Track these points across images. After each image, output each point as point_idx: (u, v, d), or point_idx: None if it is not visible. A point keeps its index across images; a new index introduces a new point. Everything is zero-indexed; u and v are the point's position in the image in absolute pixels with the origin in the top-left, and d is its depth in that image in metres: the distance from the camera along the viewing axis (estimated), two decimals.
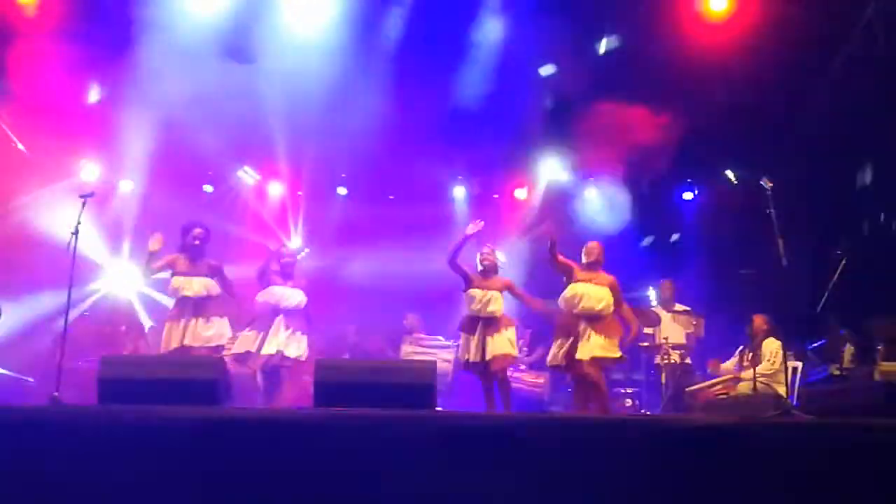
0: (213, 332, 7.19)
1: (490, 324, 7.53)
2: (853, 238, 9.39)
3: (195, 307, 7.19)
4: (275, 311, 7.53)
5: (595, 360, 7.13)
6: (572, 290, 7.29)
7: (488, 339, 7.46)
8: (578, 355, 7.15)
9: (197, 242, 7.30)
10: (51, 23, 8.39)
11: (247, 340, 7.49)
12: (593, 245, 7.54)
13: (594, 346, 7.13)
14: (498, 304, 7.57)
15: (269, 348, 7.43)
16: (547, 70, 9.54)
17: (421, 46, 9.13)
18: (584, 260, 7.46)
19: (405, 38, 9.12)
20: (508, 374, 9.41)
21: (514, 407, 9.11)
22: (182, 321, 7.15)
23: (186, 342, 7.10)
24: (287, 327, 7.51)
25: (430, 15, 8.98)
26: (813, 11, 8.24)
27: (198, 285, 7.19)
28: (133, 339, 9.30)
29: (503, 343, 7.48)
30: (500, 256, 8.16)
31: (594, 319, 7.22)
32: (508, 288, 7.73)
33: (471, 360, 7.50)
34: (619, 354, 7.22)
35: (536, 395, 9.40)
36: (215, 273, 7.33)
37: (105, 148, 9.82)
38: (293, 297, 7.60)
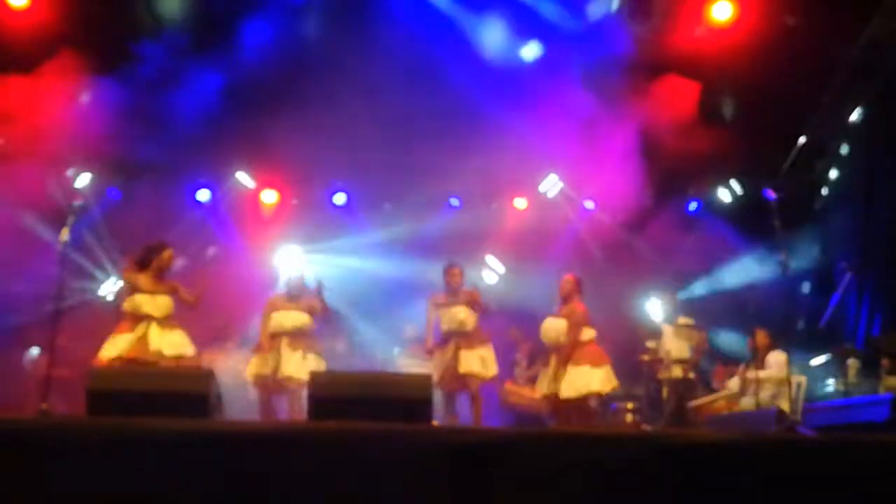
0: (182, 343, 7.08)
1: (463, 338, 7.62)
2: (858, 251, 9.36)
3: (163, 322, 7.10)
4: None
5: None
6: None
7: (461, 352, 7.56)
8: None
9: (169, 261, 7.24)
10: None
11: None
12: (567, 278, 7.73)
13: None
14: (467, 319, 7.64)
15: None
16: (531, 51, 9.35)
17: (422, 52, 9.11)
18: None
19: (407, 44, 9.10)
20: (506, 387, 9.41)
21: (511, 421, 9.07)
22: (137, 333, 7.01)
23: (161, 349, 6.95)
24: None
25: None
26: (816, 24, 8.21)
27: (162, 303, 7.09)
28: None
29: (474, 360, 7.52)
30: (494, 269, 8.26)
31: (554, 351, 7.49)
32: (470, 303, 7.76)
33: (444, 376, 7.58)
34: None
35: (533, 410, 9.29)
36: (175, 291, 7.23)
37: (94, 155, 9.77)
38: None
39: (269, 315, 7.59)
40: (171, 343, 7.00)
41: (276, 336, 7.48)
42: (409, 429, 4.40)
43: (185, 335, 7.11)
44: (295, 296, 7.68)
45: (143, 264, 7.18)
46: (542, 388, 7.59)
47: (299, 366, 7.25)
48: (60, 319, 5.95)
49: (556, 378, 7.32)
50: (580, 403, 7.37)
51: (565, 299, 7.60)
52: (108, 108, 9.17)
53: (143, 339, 6.96)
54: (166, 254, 7.21)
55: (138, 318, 7.03)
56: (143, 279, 7.13)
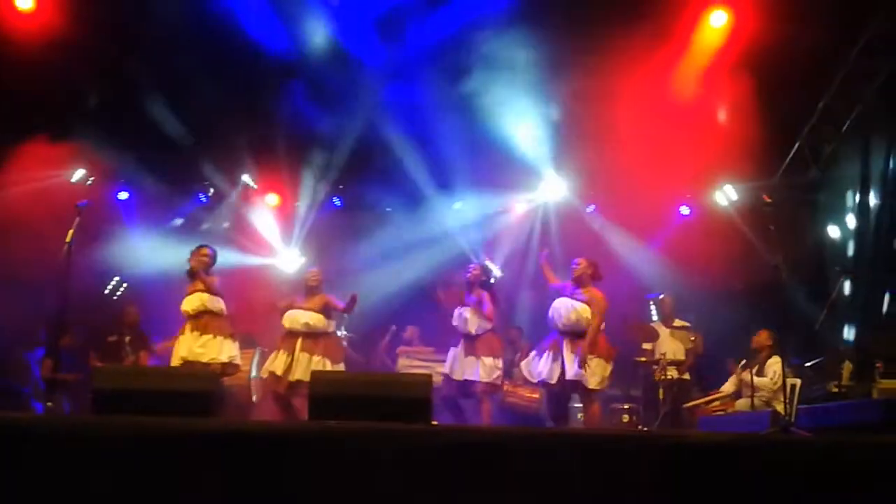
0: (205, 348, 7.24)
1: (468, 341, 7.56)
2: (853, 255, 9.40)
3: (195, 321, 7.33)
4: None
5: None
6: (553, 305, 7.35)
7: (467, 357, 7.59)
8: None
9: (205, 259, 7.51)
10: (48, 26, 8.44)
11: None
12: (579, 261, 7.53)
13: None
14: (470, 319, 7.58)
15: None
16: None
17: (422, 55, 9.18)
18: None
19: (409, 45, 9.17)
20: (504, 387, 9.44)
21: (510, 422, 9.09)
22: (183, 336, 7.34)
23: (185, 356, 7.24)
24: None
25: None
26: (812, 30, 8.25)
27: (194, 299, 7.33)
28: (136, 349, 9.24)
29: (476, 366, 7.48)
30: (495, 270, 8.23)
31: (571, 335, 7.21)
32: (479, 303, 7.77)
33: (451, 375, 7.56)
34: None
35: (532, 410, 9.33)
36: (209, 287, 7.42)
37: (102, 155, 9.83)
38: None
39: (283, 310, 7.74)
40: (196, 350, 7.21)
41: (290, 335, 7.55)
42: (408, 429, 4.45)
43: (213, 339, 7.28)
44: (310, 294, 7.75)
45: (189, 273, 7.52)
46: (546, 373, 7.27)
47: (308, 370, 7.28)
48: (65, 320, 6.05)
49: (580, 364, 7.04)
50: (591, 395, 7.24)
51: (579, 283, 7.37)
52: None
53: (185, 340, 7.29)
54: (201, 252, 7.55)
55: (185, 318, 7.40)
56: (191, 283, 7.50)
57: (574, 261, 7.57)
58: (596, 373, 7.11)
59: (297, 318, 7.56)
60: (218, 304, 7.37)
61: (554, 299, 7.44)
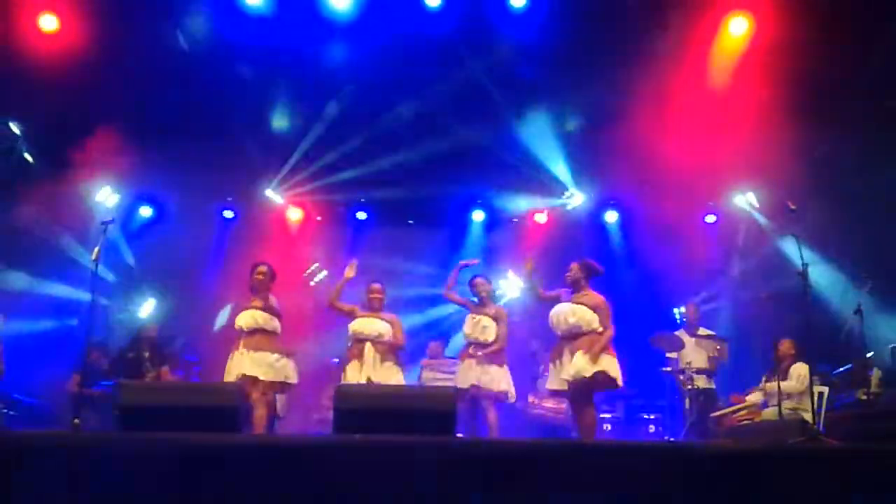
0: (258, 366, 7.22)
1: (478, 349, 7.64)
2: (879, 261, 9.30)
3: (248, 338, 7.33)
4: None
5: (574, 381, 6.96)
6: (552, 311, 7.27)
7: (478, 366, 7.56)
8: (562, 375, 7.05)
9: (259, 277, 7.51)
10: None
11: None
12: (571, 266, 7.46)
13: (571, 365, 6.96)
14: (489, 329, 7.64)
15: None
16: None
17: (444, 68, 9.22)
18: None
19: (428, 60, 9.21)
20: (529, 399, 9.41)
21: (536, 434, 9.06)
22: (237, 352, 7.31)
23: (244, 372, 7.21)
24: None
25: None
26: (836, 35, 8.20)
27: (249, 317, 7.34)
28: (156, 365, 9.30)
29: (488, 376, 7.51)
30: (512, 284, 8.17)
31: (571, 339, 7.05)
32: (497, 318, 7.77)
33: (460, 385, 7.55)
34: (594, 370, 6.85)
35: (559, 422, 9.31)
36: (263, 304, 7.45)
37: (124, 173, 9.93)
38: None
39: (346, 313, 7.79)
40: (251, 368, 7.18)
41: (358, 342, 7.62)
42: (433, 441, 4.45)
43: (268, 356, 7.24)
44: (376, 309, 7.80)
45: (250, 289, 7.55)
46: (554, 383, 7.11)
47: (378, 371, 7.41)
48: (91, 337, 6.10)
49: (594, 361, 6.77)
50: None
51: (574, 286, 7.25)
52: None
53: (238, 357, 7.27)
54: (257, 270, 7.56)
55: (239, 334, 7.37)
56: (250, 300, 7.50)
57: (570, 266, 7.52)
58: (613, 369, 6.87)
59: (371, 325, 7.60)
60: (273, 322, 7.41)
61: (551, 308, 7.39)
